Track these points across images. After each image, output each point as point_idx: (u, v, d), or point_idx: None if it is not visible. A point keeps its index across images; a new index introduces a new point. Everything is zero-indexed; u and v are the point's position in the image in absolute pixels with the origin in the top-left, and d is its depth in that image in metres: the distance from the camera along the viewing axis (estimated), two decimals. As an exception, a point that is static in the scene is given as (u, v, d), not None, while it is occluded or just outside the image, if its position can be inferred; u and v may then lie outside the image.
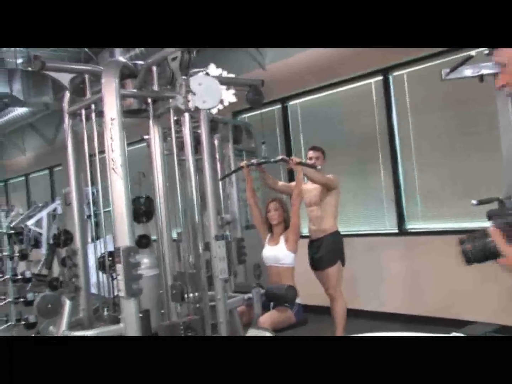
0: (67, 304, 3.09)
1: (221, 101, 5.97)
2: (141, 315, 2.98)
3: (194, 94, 2.96)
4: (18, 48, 8.10)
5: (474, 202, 2.95)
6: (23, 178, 12.90)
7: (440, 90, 4.88)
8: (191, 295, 3.32)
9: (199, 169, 4.03)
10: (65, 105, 3.42)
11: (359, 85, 5.71)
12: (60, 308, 3.16)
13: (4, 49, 8.13)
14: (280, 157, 4.40)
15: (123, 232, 2.93)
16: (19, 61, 8.09)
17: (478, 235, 1.49)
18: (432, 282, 5.10)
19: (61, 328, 3.01)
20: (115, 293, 3.14)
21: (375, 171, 5.63)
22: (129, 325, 2.89)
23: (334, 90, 5.94)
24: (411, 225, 5.39)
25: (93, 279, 3.45)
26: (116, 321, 3.03)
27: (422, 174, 5.26)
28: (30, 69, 7.10)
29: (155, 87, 3.22)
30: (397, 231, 5.44)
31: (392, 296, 5.44)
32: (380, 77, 5.47)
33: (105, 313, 3.19)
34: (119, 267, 2.88)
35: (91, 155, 3.31)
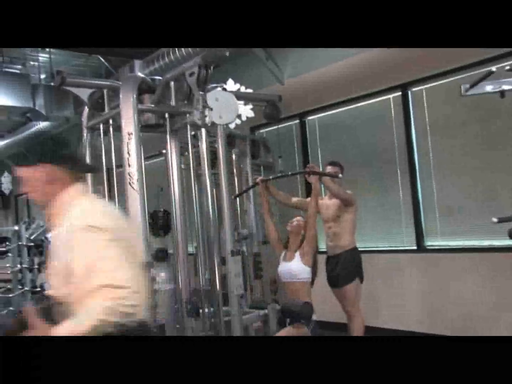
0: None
1: (239, 116, 6.01)
2: (155, 330, 2.98)
3: (211, 109, 2.98)
4: (41, 63, 8.27)
5: (494, 219, 2.89)
6: (44, 191, 13.04)
7: (460, 105, 4.83)
8: (206, 310, 3.31)
9: (216, 184, 4.04)
10: (84, 119, 3.47)
11: (378, 101, 5.68)
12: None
13: (28, 64, 8.30)
14: (297, 171, 4.38)
15: (139, 246, 2.93)
16: (42, 76, 8.24)
17: None
18: (451, 300, 5.00)
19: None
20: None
21: (393, 187, 5.57)
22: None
23: (353, 106, 5.92)
24: (430, 242, 5.31)
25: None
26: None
27: (441, 190, 5.19)
28: (52, 84, 7.23)
29: (173, 102, 3.25)
30: (415, 247, 5.36)
31: (410, 314, 5.35)
32: (399, 93, 5.44)
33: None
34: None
35: (110, 169, 3.34)
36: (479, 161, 4.91)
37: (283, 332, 3.73)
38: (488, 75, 3.10)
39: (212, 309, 3.27)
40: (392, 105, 5.53)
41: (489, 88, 3.26)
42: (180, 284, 3.33)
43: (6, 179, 13.43)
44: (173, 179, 3.44)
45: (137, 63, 6.07)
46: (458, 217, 5.08)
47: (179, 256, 3.38)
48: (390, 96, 5.54)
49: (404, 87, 5.39)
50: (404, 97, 5.40)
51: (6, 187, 13.55)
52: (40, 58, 8.11)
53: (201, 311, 3.25)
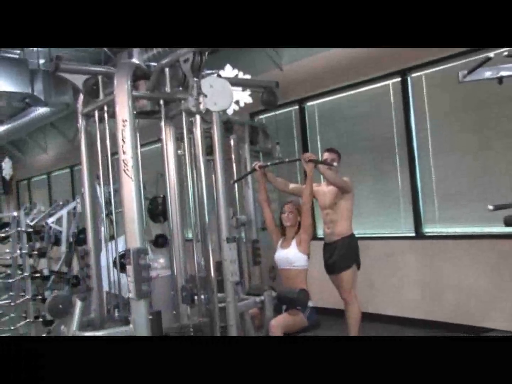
0: (78, 304, 3.10)
1: (237, 102, 5.99)
2: (151, 316, 2.99)
3: (206, 96, 2.96)
4: (40, 49, 8.22)
5: (490, 207, 2.87)
6: (45, 176, 13.08)
7: (459, 91, 4.79)
8: (202, 297, 3.32)
9: (215, 170, 4.03)
10: (79, 106, 3.45)
11: (377, 87, 5.64)
12: (71, 308, 3.18)
13: (27, 49, 8.25)
14: (294, 158, 4.36)
15: (133, 233, 2.94)
16: (41, 61, 8.19)
17: None
18: (449, 287, 5.02)
19: (72, 328, 3.03)
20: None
21: (392, 174, 5.56)
22: (138, 326, 2.89)
23: (352, 92, 5.88)
24: (428, 229, 5.31)
25: (111, 278, 3.45)
26: (127, 322, 3.04)
27: (440, 177, 5.18)
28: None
29: (168, 89, 3.22)
30: (414, 234, 5.36)
31: (408, 300, 5.37)
32: (398, 79, 5.40)
33: (116, 314, 3.19)
34: (129, 268, 2.90)
35: (112, 154, 3.32)
36: (479, 147, 4.89)
37: (279, 318, 3.75)
38: (486, 61, 3.07)
39: (207, 295, 3.27)
40: (391, 91, 5.50)
41: (487, 74, 3.23)
42: (175, 270, 3.33)
43: (7, 164, 13.45)
44: (168, 166, 3.42)
45: (136, 49, 6.03)
46: (457, 204, 5.07)
47: (174, 243, 3.38)
48: (390, 82, 5.50)
49: (403, 73, 5.35)
50: (404, 83, 5.37)
51: (7, 172, 13.58)
52: (38, 43, 8.06)
53: (196, 297, 3.25)
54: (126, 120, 2.92)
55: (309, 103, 6.39)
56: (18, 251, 5.85)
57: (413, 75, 5.32)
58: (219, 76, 3.18)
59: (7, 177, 13.88)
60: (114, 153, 3.19)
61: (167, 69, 3.22)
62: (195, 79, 2.99)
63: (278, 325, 3.66)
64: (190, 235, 3.60)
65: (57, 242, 9.68)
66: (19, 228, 5.84)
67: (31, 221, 9.81)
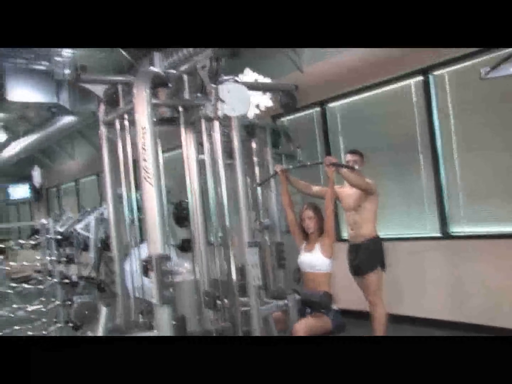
0: (103, 310, 3.14)
1: (257, 106, 5.99)
2: (175, 322, 3.01)
3: (223, 101, 2.97)
4: (66, 59, 8.38)
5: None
6: (73, 183, 13.31)
7: (483, 88, 4.71)
8: (225, 301, 3.33)
9: (235, 174, 4.04)
10: (101, 115, 3.50)
11: (399, 86, 5.58)
12: (97, 314, 3.23)
13: (53, 60, 8.42)
14: (316, 161, 4.35)
15: (156, 240, 2.96)
16: (66, 71, 8.35)
17: None
18: (476, 287, 4.92)
19: (98, 334, 3.08)
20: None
21: (416, 173, 5.49)
22: (162, 331, 2.92)
23: (374, 92, 5.83)
24: (454, 229, 5.22)
25: (138, 283, 3.49)
26: (152, 327, 3.07)
27: (465, 175, 5.09)
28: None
29: (186, 95, 3.25)
30: (439, 234, 5.28)
31: (435, 302, 5.29)
32: (420, 77, 5.33)
33: (140, 319, 3.23)
34: (152, 274, 2.92)
35: (134, 161, 3.36)
36: (504, 145, 4.79)
37: (303, 322, 3.74)
38: (508, 57, 3.03)
39: (230, 300, 3.28)
40: (413, 90, 5.43)
41: (510, 70, 3.18)
42: (198, 275, 3.35)
43: (36, 172, 13.73)
44: (190, 171, 3.45)
45: (156, 55, 6.10)
46: (484, 203, 4.98)
47: (196, 247, 3.40)
48: (411, 81, 5.44)
49: (425, 72, 5.28)
50: (426, 81, 5.30)
51: (37, 180, 13.86)
52: (64, 53, 8.21)
53: (220, 302, 3.26)
54: (145, 128, 2.95)
55: (331, 105, 6.35)
56: (48, 258, 5.98)
57: (436, 73, 5.24)
58: (236, 81, 3.19)
59: (37, 185, 14.18)
60: (137, 159, 3.23)
61: (185, 76, 3.24)
62: (212, 85, 3.01)
63: (302, 328, 3.66)
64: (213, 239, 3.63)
65: (85, 248, 9.85)
66: (48, 235, 5.96)
67: (61, 227, 10.02)
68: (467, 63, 4.93)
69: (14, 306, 5.69)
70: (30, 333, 5.32)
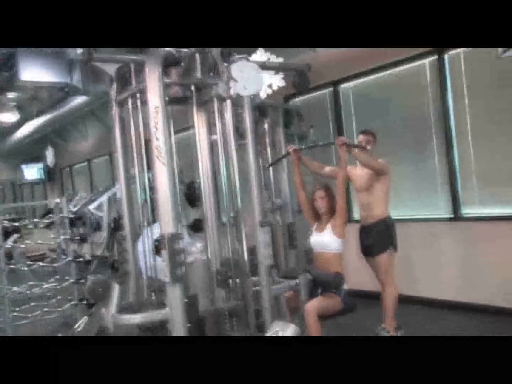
0: (116, 288, 3.19)
1: (270, 86, 5.97)
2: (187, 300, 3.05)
3: (236, 81, 2.96)
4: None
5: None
6: (85, 163, 13.39)
7: (498, 68, 4.64)
8: (237, 280, 3.36)
9: (247, 154, 4.04)
10: (113, 94, 3.50)
11: (413, 66, 5.51)
12: (110, 291, 3.27)
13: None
14: (329, 141, 4.33)
15: (167, 219, 2.98)
16: (79, 51, 8.34)
17: None
18: (489, 269, 4.91)
19: (111, 311, 3.12)
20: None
21: (429, 154, 5.45)
22: (174, 310, 2.95)
23: (387, 72, 5.77)
24: (467, 210, 5.19)
25: (151, 262, 3.52)
26: (164, 305, 3.11)
27: (478, 157, 5.04)
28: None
29: (199, 75, 3.24)
30: (452, 216, 5.26)
31: (447, 283, 5.29)
32: (435, 57, 5.26)
33: (153, 297, 3.27)
34: (164, 253, 2.95)
35: (146, 141, 3.36)
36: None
37: (314, 301, 3.77)
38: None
39: (241, 279, 3.31)
40: (428, 70, 5.36)
41: (527, 49, 3.13)
42: (209, 254, 3.38)
43: (50, 152, 13.83)
44: (201, 151, 3.46)
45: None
46: (497, 184, 4.94)
47: (208, 227, 3.42)
48: (426, 61, 5.36)
49: (440, 51, 5.20)
50: (441, 61, 5.22)
51: (51, 160, 13.96)
52: (76, 32, 8.20)
53: (231, 281, 3.29)
54: (158, 107, 2.96)
55: (344, 85, 6.30)
56: (62, 237, 6.06)
57: (451, 52, 5.16)
58: (248, 60, 3.17)
59: (51, 165, 14.29)
60: (148, 140, 3.23)
61: (197, 55, 3.23)
62: (224, 64, 3.00)
63: (313, 308, 3.69)
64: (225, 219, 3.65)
65: (98, 227, 9.95)
66: (61, 215, 6.03)
67: (74, 207, 10.11)
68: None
69: (30, 283, 5.79)
70: (45, 309, 5.42)
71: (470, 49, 4.99)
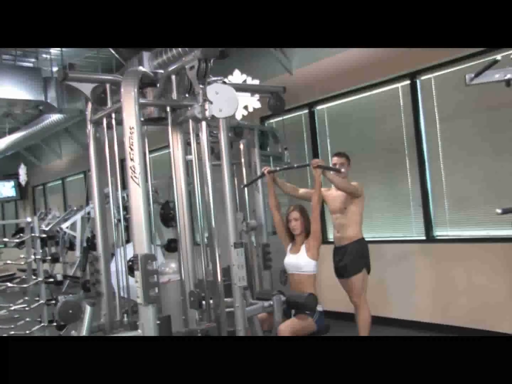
0: (88, 309, 3.14)
1: (246, 107, 6.02)
2: (159, 321, 3.02)
3: (211, 103, 2.98)
4: (53, 56, 8.34)
5: (498, 211, 2.85)
6: (59, 181, 13.22)
7: (469, 94, 4.77)
8: (211, 301, 3.34)
9: (222, 175, 4.06)
10: (88, 113, 3.50)
11: (386, 90, 5.63)
12: (81, 313, 3.22)
13: (40, 58, 8.37)
14: (303, 163, 4.37)
15: (141, 239, 2.97)
16: (54, 69, 8.31)
17: None
18: (460, 290, 4.98)
19: (82, 333, 3.07)
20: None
21: (402, 177, 5.54)
22: (147, 331, 2.92)
23: (361, 95, 5.88)
24: (439, 232, 5.27)
25: (123, 283, 3.48)
26: (136, 326, 3.07)
27: (450, 180, 5.14)
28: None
29: (174, 96, 3.26)
30: (424, 238, 5.33)
31: (419, 304, 5.34)
32: (408, 81, 5.39)
33: (125, 319, 3.23)
34: (137, 274, 2.93)
35: (121, 161, 3.35)
36: (489, 150, 4.85)
37: (287, 323, 3.76)
38: (493, 63, 3.06)
39: (215, 300, 3.29)
40: (400, 94, 5.48)
41: (495, 76, 3.22)
42: (183, 275, 3.36)
43: (22, 170, 13.62)
44: (176, 171, 3.46)
45: (146, 54, 6.08)
46: (468, 207, 5.03)
47: (182, 248, 3.41)
48: (399, 85, 5.49)
49: (412, 76, 5.33)
50: (413, 85, 5.35)
51: (23, 178, 13.74)
52: (52, 51, 8.17)
53: (204, 302, 3.27)
54: (133, 128, 2.96)
55: (319, 107, 6.39)
56: (33, 256, 5.93)
57: (423, 78, 5.29)
58: (224, 83, 3.20)
59: (23, 183, 14.06)
60: (123, 159, 3.23)
61: (173, 76, 3.25)
62: (200, 86, 3.02)
63: (286, 329, 3.67)
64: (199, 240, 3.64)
65: (71, 247, 9.80)
66: (33, 234, 5.92)
67: (46, 226, 9.95)
68: (453, 69, 4.99)
69: (-3, 305, 5.63)
70: (12, 332, 5.28)
71: (441, 74, 5.12)
